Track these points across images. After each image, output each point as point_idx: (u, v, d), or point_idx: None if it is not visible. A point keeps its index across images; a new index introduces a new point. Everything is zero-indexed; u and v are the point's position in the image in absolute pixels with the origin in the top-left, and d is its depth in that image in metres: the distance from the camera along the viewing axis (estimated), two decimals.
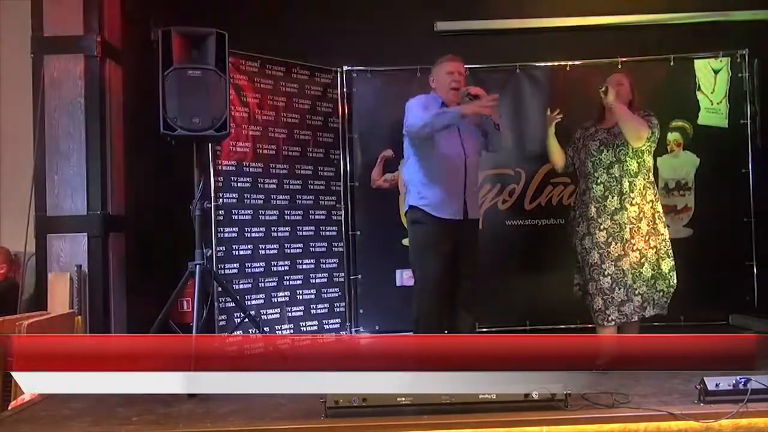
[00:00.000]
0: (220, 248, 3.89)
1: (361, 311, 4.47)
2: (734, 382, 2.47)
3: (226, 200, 3.95)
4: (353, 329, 4.43)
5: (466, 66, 4.48)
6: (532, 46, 4.69)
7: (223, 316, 3.85)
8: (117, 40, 3.88)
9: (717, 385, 2.48)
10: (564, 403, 2.48)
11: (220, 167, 3.95)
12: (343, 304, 4.42)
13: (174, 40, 3.31)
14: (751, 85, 4.52)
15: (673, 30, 4.64)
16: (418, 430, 2.42)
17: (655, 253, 3.23)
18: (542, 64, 4.58)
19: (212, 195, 3.88)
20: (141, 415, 2.59)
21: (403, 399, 2.49)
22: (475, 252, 3.35)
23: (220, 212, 3.93)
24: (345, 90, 4.51)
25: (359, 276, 4.46)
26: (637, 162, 3.29)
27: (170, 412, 2.67)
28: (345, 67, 4.53)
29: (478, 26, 4.73)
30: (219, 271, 3.84)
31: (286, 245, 4.17)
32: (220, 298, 3.83)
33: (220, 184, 3.94)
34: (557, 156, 3.55)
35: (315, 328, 4.28)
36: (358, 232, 4.47)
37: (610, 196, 3.25)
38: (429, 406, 2.48)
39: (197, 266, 3.29)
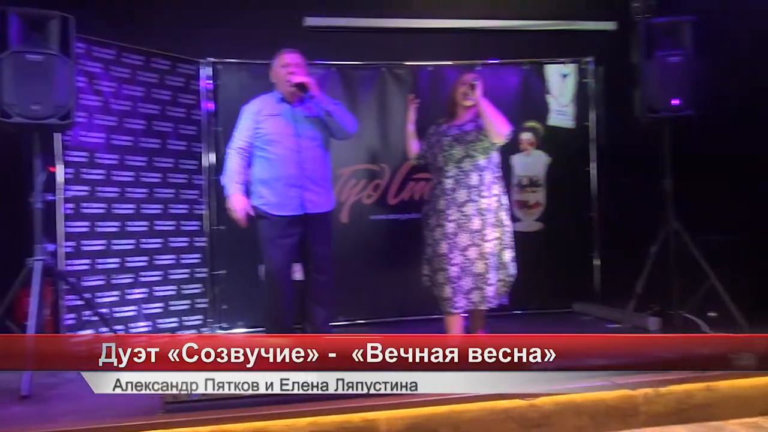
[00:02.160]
0: (69, 244, 3.70)
1: (224, 308, 4.41)
2: None
3: (75, 193, 3.76)
4: (216, 326, 4.36)
5: (335, 62, 4.62)
6: (398, 45, 4.82)
7: (71, 315, 3.67)
8: None
9: None
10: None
11: (69, 158, 3.75)
12: (206, 300, 4.34)
13: (11, 21, 3.12)
14: (596, 90, 4.89)
15: (527, 36, 4.94)
16: (258, 420, 2.44)
17: (499, 243, 3.42)
18: (407, 63, 4.71)
19: (61, 187, 3.68)
20: None
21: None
22: (324, 246, 3.38)
23: (69, 206, 3.73)
24: (210, 82, 4.43)
25: (223, 271, 4.40)
26: (485, 157, 3.46)
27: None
28: (210, 59, 4.44)
29: (347, 23, 4.80)
30: (67, 267, 3.65)
31: (142, 240, 4.03)
32: (67, 296, 3.65)
33: (70, 176, 3.75)
34: (411, 143, 3.67)
35: (175, 325, 4.18)
36: (222, 227, 4.40)
37: (458, 189, 3.40)
38: (269, 396, 2.50)
39: (35, 263, 3.12)
